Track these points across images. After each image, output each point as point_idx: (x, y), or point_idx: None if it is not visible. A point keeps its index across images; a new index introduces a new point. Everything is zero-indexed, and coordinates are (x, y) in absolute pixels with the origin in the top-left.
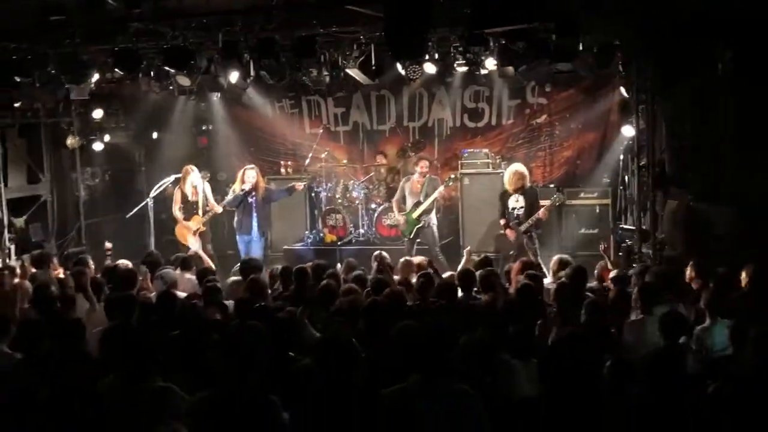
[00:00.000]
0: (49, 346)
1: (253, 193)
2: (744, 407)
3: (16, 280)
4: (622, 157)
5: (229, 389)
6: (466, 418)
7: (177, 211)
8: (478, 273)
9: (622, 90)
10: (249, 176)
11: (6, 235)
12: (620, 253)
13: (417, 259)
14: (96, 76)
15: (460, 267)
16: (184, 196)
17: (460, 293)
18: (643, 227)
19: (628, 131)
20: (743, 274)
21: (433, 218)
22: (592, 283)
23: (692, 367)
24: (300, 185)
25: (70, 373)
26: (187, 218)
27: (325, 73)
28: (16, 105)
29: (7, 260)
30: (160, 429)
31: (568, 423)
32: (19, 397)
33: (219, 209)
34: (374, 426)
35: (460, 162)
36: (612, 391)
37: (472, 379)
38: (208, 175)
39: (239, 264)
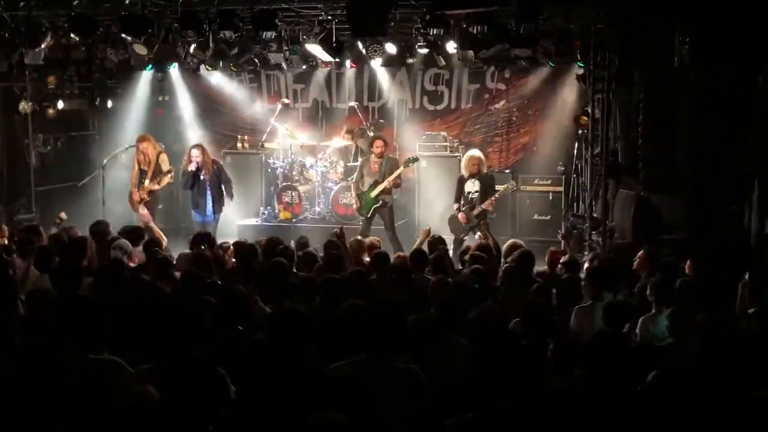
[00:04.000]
0: None
1: (203, 172)
2: (681, 397)
3: None
4: (576, 145)
5: (174, 361)
6: (410, 395)
7: (131, 179)
8: (430, 253)
9: (580, 78)
10: (194, 155)
11: None
12: (571, 240)
13: (369, 239)
14: (51, 41)
15: (415, 245)
16: (137, 164)
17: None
18: (594, 215)
19: (583, 120)
20: (688, 263)
21: (390, 198)
22: (542, 268)
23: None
24: None
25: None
26: (137, 186)
27: (285, 48)
28: None
29: None
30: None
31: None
32: None
33: (157, 186)
34: (322, 401)
35: (418, 144)
36: (555, 373)
37: (420, 358)
38: (164, 146)
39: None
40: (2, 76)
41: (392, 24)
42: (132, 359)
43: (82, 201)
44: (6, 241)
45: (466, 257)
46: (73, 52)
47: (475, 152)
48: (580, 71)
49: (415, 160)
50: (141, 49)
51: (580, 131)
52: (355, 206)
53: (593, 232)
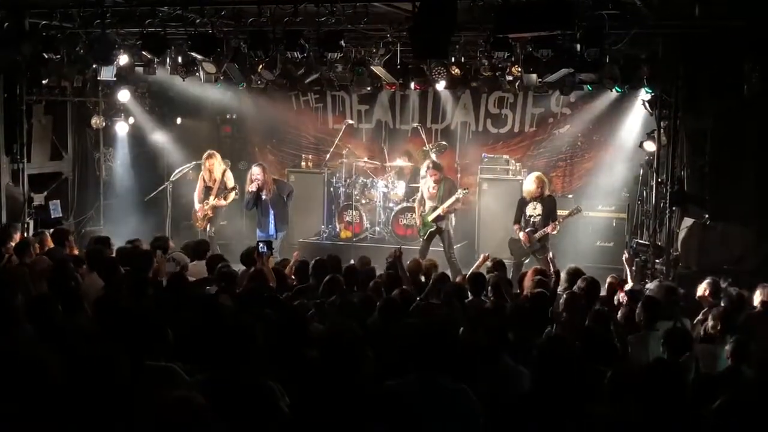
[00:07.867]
0: (62, 321)
1: (264, 192)
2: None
3: (34, 255)
4: (641, 171)
5: (227, 373)
6: (460, 416)
7: (196, 195)
8: (488, 277)
9: (646, 104)
10: (254, 173)
11: (26, 210)
12: (633, 268)
13: (425, 261)
14: (124, 59)
15: (472, 269)
16: (203, 180)
17: (470, 296)
18: (658, 243)
19: (649, 146)
20: (756, 294)
21: (449, 222)
22: (602, 294)
23: (694, 384)
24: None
25: (84, 348)
26: (201, 202)
27: (350, 69)
28: (44, 82)
29: (26, 235)
30: (176, 392)
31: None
32: (29, 368)
33: (223, 202)
34: (374, 419)
35: (480, 167)
36: (612, 401)
37: (471, 379)
38: (229, 163)
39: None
40: (76, 92)
41: (456, 47)
42: (191, 369)
43: (149, 215)
44: (76, 252)
45: (527, 281)
46: (144, 69)
47: (538, 174)
48: (647, 97)
49: (467, 192)
50: (209, 68)
51: (646, 157)
52: (417, 225)
53: (657, 261)
